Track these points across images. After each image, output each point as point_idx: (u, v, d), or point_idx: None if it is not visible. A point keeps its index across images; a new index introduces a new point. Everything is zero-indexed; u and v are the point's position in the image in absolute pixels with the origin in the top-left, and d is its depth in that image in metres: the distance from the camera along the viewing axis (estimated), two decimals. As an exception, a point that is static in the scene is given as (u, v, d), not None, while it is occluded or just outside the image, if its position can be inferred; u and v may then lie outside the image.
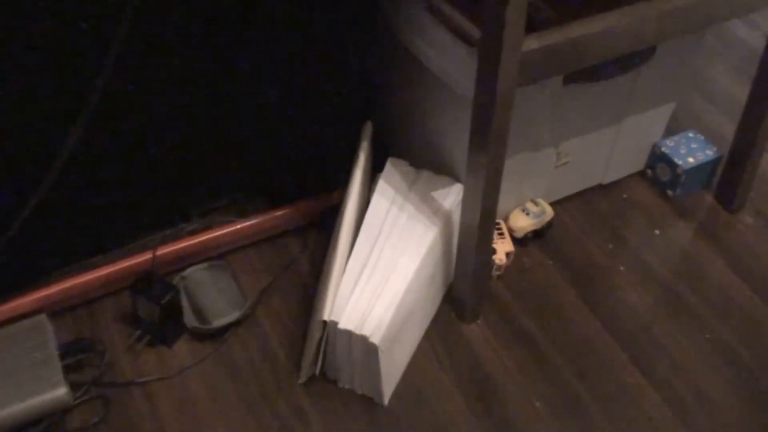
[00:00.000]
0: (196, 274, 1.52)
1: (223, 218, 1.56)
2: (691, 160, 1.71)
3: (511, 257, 1.58)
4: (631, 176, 1.79)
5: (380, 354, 1.28)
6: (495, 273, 1.56)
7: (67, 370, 1.34)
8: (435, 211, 1.45)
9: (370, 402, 1.38)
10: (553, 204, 1.67)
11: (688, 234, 1.69)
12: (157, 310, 1.38)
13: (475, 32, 1.25)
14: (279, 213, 1.59)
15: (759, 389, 1.43)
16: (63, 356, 1.34)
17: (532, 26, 1.20)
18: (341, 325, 1.29)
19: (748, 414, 1.39)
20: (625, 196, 1.76)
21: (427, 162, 1.55)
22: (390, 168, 1.52)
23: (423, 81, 1.50)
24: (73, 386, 1.33)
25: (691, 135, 1.77)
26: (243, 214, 1.57)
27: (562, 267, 1.61)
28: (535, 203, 1.63)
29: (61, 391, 1.30)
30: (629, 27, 1.28)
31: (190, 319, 1.45)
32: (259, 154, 1.52)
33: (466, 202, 1.36)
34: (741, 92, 1.63)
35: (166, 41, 1.29)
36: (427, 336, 1.48)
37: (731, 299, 1.57)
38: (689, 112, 1.93)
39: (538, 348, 1.47)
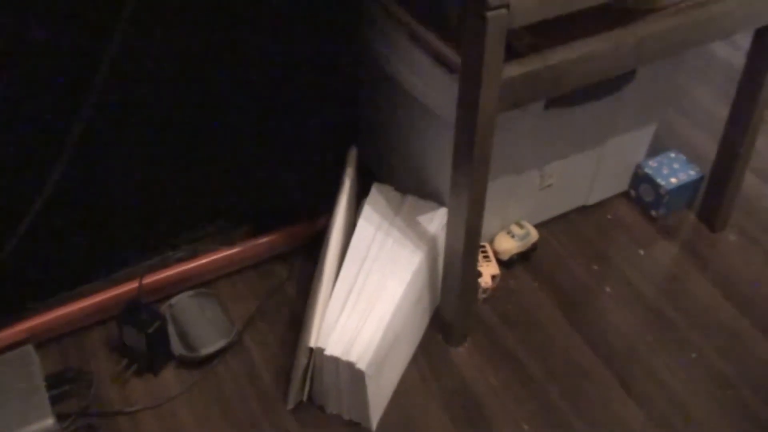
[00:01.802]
0: (183, 302, 1.51)
1: (209, 246, 1.56)
2: (673, 180, 1.73)
3: (497, 280, 1.59)
4: (614, 197, 1.80)
5: (367, 379, 1.28)
6: (481, 296, 1.56)
7: (54, 400, 1.33)
8: (420, 235, 1.46)
9: (358, 427, 1.37)
10: (537, 226, 1.68)
11: (673, 253, 1.70)
12: (144, 339, 1.38)
13: (456, 59, 1.26)
14: (265, 240, 1.60)
15: (744, 407, 1.43)
16: (50, 387, 1.33)
17: (512, 53, 1.21)
18: (328, 352, 1.29)
19: (734, 432, 1.40)
20: (609, 216, 1.77)
21: (412, 187, 1.55)
22: (375, 193, 1.53)
23: (406, 107, 1.51)
24: (60, 417, 1.32)
25: (673, 155, 1.78)
26: (229, 242, 1.57)
27: (548, 289, 1.61)
28: (520, 225, 1.64)
29: (48, 422, 1.29)
30: (608, 52, 1.29)
31: (177, 347, 1.45)
32: (245, 181, 1.52)
33: (450, 226, 1.37)
34: (722, 111, 1.64)
35: (149, 66, 1.30)
36: (415, 360, 1.48)
37: (716, 318, 1.58)
38: (671, 132, 1.94)
39: (525, 370, 1.47)
